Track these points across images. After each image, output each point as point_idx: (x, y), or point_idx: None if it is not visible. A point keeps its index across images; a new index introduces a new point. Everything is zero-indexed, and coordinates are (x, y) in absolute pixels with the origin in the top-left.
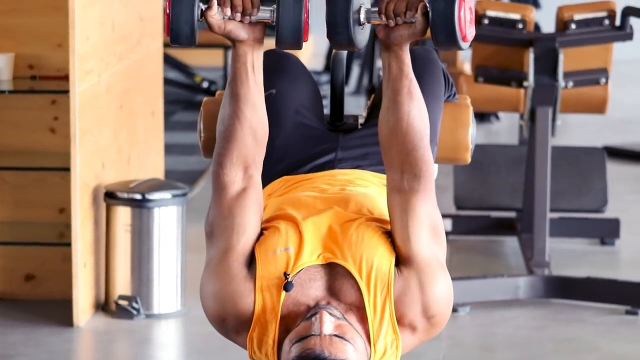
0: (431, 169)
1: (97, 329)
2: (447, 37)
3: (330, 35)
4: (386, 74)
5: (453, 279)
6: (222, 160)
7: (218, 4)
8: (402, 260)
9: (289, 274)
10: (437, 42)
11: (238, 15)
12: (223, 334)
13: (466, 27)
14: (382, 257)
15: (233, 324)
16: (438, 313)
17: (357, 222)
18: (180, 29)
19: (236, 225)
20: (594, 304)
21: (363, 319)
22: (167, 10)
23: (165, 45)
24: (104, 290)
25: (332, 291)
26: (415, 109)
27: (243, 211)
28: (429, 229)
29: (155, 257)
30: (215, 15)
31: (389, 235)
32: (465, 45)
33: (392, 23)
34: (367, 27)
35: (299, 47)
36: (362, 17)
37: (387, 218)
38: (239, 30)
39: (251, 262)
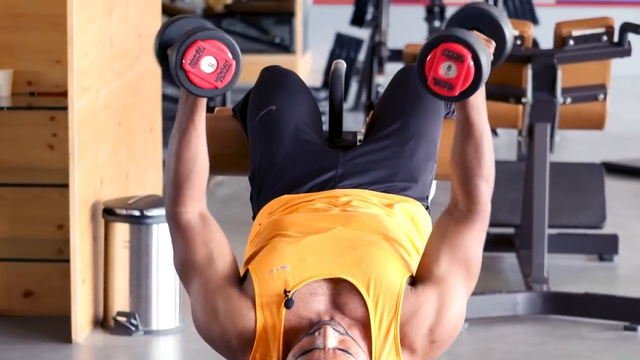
0: (482, 209)
1: (96, 345)
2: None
3: None
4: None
5: None
6: (183, 200)
7: None
8: (422, 279)
9: (289, 291)
10: None
11: None
12: (231, 358)
13: (433, 73)
14: (392, 277)
15: (237, 344)
16: (441, 339)
17: (365, 239)
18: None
19: (214, 251)
20: (593, 320)
21: (366, 336)
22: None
23: None
24: (102, 307)
25: (336, 305)
26: (471, 146)
27: (214, 236)
28: (461, 260)
29: (154, 273)
30: None
31: (399, 253)
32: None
33: None
34: None
35: None
36: None
37: (393, 236)
38: None
39: (243, 280)
